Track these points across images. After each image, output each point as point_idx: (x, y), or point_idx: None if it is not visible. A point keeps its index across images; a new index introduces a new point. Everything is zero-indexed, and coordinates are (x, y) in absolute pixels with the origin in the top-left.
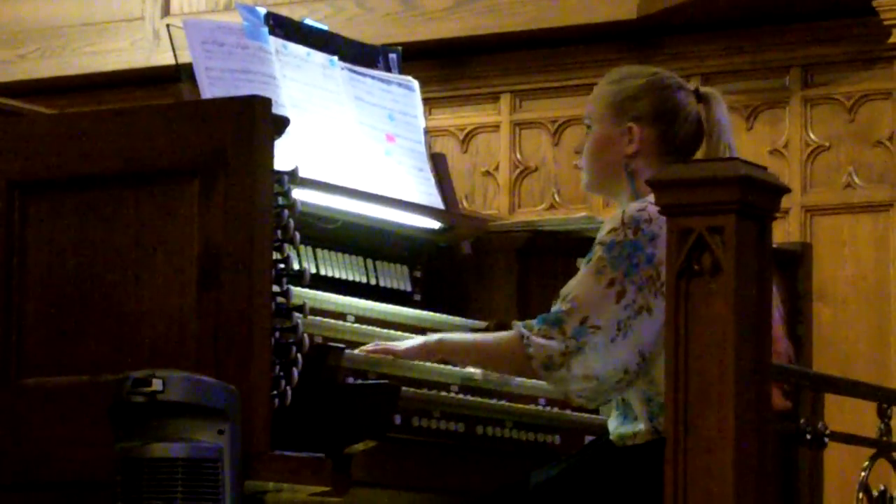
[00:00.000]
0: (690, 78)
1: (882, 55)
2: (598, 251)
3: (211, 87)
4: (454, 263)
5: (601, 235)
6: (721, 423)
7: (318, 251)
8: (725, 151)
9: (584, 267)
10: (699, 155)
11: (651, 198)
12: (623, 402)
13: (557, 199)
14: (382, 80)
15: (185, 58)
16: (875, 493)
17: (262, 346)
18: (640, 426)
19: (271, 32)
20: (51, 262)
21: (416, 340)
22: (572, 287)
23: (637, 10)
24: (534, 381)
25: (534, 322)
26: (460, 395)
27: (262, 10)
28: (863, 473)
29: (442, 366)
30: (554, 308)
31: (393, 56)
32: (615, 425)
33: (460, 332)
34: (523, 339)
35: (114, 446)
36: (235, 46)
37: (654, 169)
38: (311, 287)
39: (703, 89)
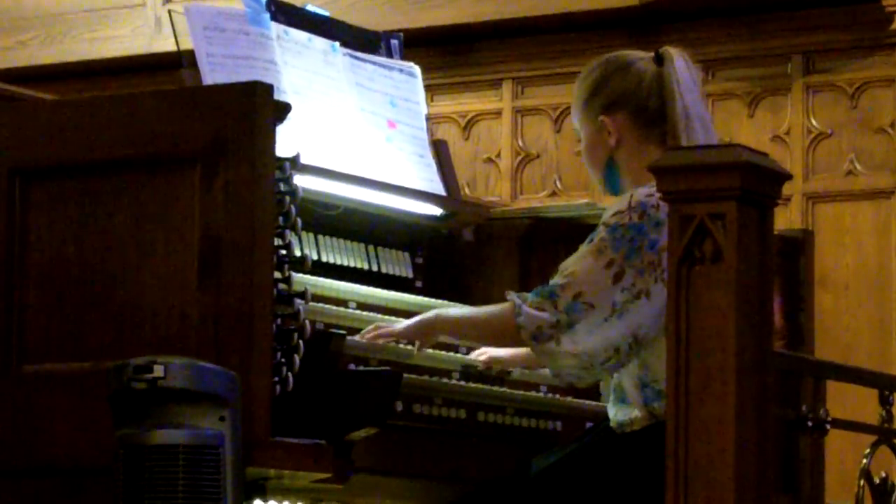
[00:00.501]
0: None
1: (884, 42)
2: (601, 232)
3: (212, 74)
4: (455, 250)
5: (606, 216)
6: (722, 411)
7: (320, 237)
8: (683, 112)
9: (585, 246)
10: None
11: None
12: (619, 387)
13: (559, 185)
14: (384, 67)
15: (186, 44)
16: (877, 480)
17: (263, 333)
18: (636, 412)
19: (273, 18)
20: (52, 248)
21: (413, 319)
22: (570, 263)
23: None
24: (535, 368)
25: (529, 294)
26: (462, 382)
27: None
28: (864, 461)
29: (443, 352)
30: (551, 281)
31: (394, 42)
32: (613, 412)
33: (456, 307)
34: (515, 309)
35: (115, 433)
36: (237, 32)
37: (640, 150)
38: (312, 273)
39: (661, 50)
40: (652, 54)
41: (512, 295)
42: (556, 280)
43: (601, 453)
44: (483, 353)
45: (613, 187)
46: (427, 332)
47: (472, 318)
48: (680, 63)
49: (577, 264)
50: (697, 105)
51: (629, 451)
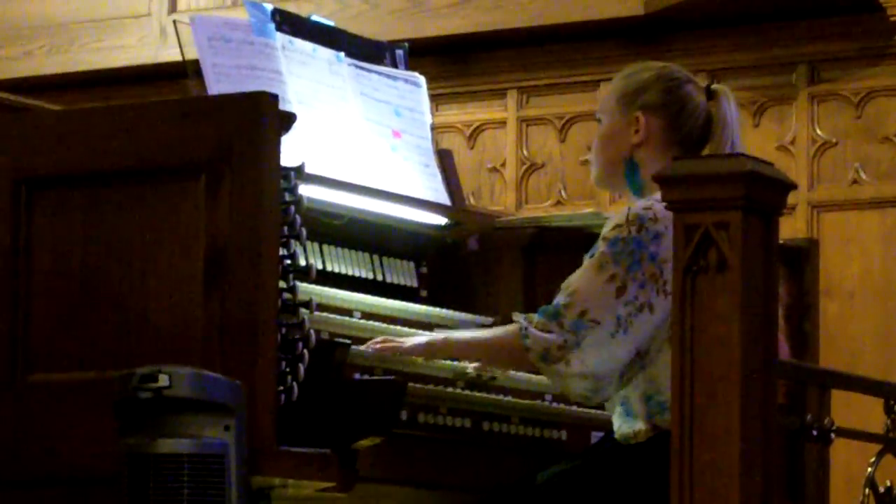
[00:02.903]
0: (697, 74)
1: (889, 51)
2: (601, 247)
3: (217, 84)
4: (460, 259)
5: (605, 231)
6: (727, 420)
7: (325, 247)
8: (730, 149)
9: (586, 261)
10: (706, 152)
11: (658, 195)
12: (626, 399)
13: (564, 195)
14: (389, 77)
15: (191, 54)
16: (882, 489)
17: (268, 342)
18: (640, 425)
19: (278, 28)
20: (57, 258)
21: (422, 338)
22: (573, 281)
23: (644, 7)
24: (540, 376)
25: (535, 315)
26: (466, 391)
27: (269, 7)
28: (869, 469)
29: (448, 362)
30: (554, 301)
31: (399, 52)
32: (618, 424)
33: (466, 329)
34: (521, 332)
35: (120, 442)
36: (242, 42)
37: (660, 160)
38: (317, 283)
39: (713, 86)
40: (703, 84)
41: (518, 316)
42: (559, 299)
43: (605, 464)
44: None
45: (635, 186)
46: (435, 354)
47: (479, 340)
48: (733, 104)
49: (579, 281)
50: (740, 147)
51: (633, 463)
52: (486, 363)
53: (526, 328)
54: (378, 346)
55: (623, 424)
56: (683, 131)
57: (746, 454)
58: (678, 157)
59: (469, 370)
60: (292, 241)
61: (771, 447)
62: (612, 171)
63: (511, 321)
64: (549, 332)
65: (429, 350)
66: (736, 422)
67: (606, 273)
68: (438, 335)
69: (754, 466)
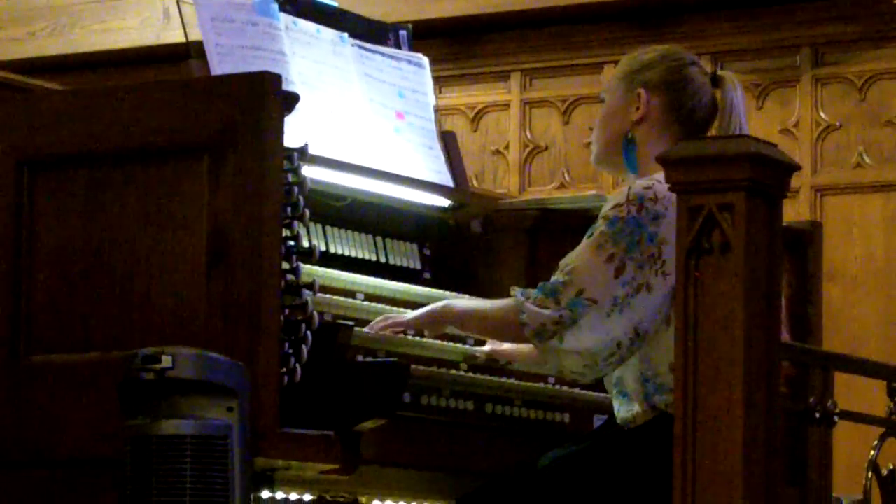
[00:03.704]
0: (701, 57)
1: (892, 34)
2: (600, 225)
3: (221, 64)
4: (464, 241)
5: (605, 210)
6: (730, 402)
7: (328, 228)
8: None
9: (585, 240)
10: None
11: (658, 176)
12: (620, 381)
13: (567, 177)
14: (392, 58)
15: (195, 35)
16: (884, 472)
17: (271, 324)
18: (637, 407)
19: (281, 9)
20: (60, 238)
21: (423, 308)
22: (572, 259)
23: None
24: (536, 368)
25: (533, 291)
26: (470, 373)
27: None
28: (872, 452)
29: (451, 344)
30: (553, 278)
31: (403, 33)
32: (618, 408)
33: (466, 299)
34: (518, 307)
35: (123, 423)
36: (245, 23)
37: (659, 138)
38: (320, 264)
39: (719, 73)
40: (709, 70)
41: (516, 291)
42: (557, 277)
43: (607, 449)
44: (487, 345)
45: (631, 164)
46: (436, 322)
47: (478, 311)
48: (739, 91)
49: (578, 260)
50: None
51: (633, 447)
52: (482, 335)
53: (523, 303)
54: (380, 324)
55: (622, 408)
56: (684, 111)
57: (749, 436)
58: (682, 139)
59: (479, 355)
60: (295, 223)
61: (774, 429)
62: (612, 149)
63: (510, 296)
64: (546, 308)
65: (429, 319)
66: (739, 404)
67: (605, 252)
68: (438, 304)
69: (757, 449)
